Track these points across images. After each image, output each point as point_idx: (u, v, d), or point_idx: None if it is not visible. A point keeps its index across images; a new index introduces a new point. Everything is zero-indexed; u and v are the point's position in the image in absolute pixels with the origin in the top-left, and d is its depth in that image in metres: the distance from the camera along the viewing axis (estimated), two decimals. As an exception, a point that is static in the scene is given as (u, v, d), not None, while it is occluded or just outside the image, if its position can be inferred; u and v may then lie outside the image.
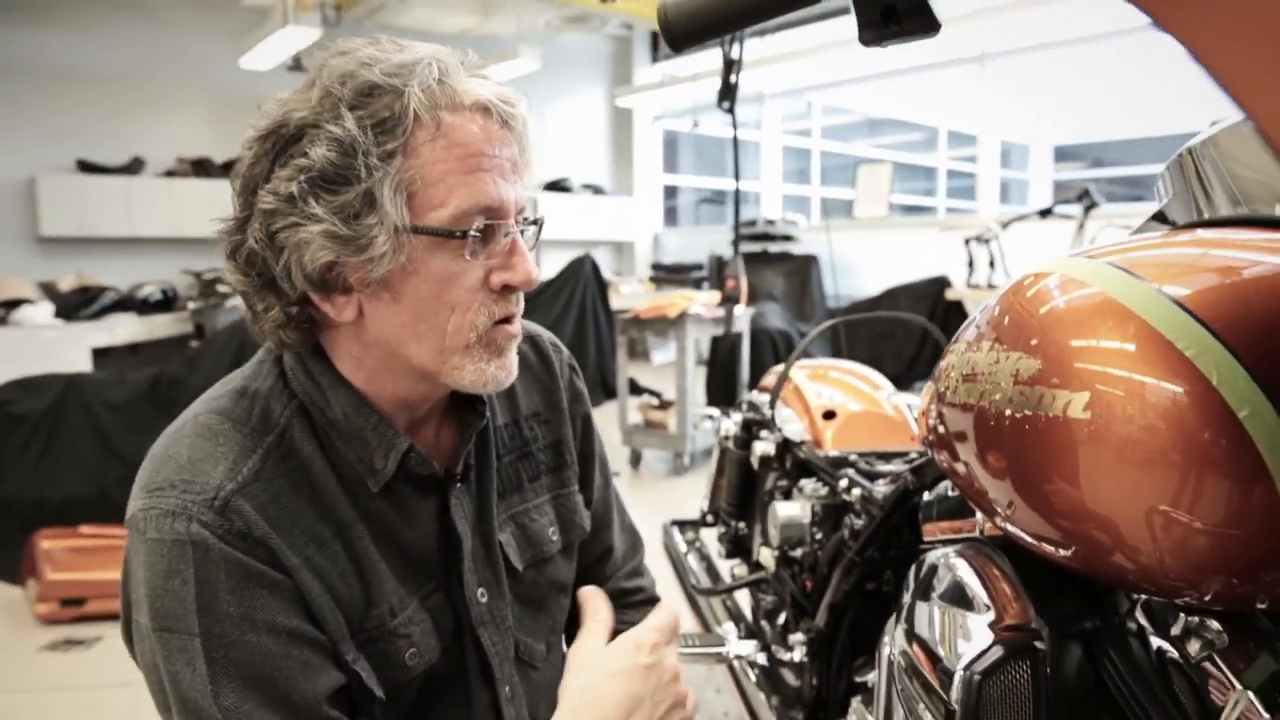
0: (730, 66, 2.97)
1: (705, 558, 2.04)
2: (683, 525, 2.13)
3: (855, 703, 1.19)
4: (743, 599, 1.83)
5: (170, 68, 6.58)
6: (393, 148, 0.73)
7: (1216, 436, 0.55)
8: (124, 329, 5.67)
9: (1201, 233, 0.69)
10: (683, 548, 2.06)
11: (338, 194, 0.72)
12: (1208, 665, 0.62)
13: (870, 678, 1.23)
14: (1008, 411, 0.66)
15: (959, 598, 0.77)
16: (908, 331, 6.39)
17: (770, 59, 6.64)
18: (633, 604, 1.09)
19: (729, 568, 1.89)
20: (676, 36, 0.61)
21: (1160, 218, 0.76)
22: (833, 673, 1.28)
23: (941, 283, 6.70)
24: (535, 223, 0.84)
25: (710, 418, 4.80)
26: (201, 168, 6.60)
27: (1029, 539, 0.70)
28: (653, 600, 1.12)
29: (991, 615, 0.73)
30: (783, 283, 6.99)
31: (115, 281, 6.04)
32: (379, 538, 0.82)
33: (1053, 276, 0.68)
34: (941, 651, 0.75)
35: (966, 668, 0.70)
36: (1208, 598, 0.60)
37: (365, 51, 0.76)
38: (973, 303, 6.59)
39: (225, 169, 6.72)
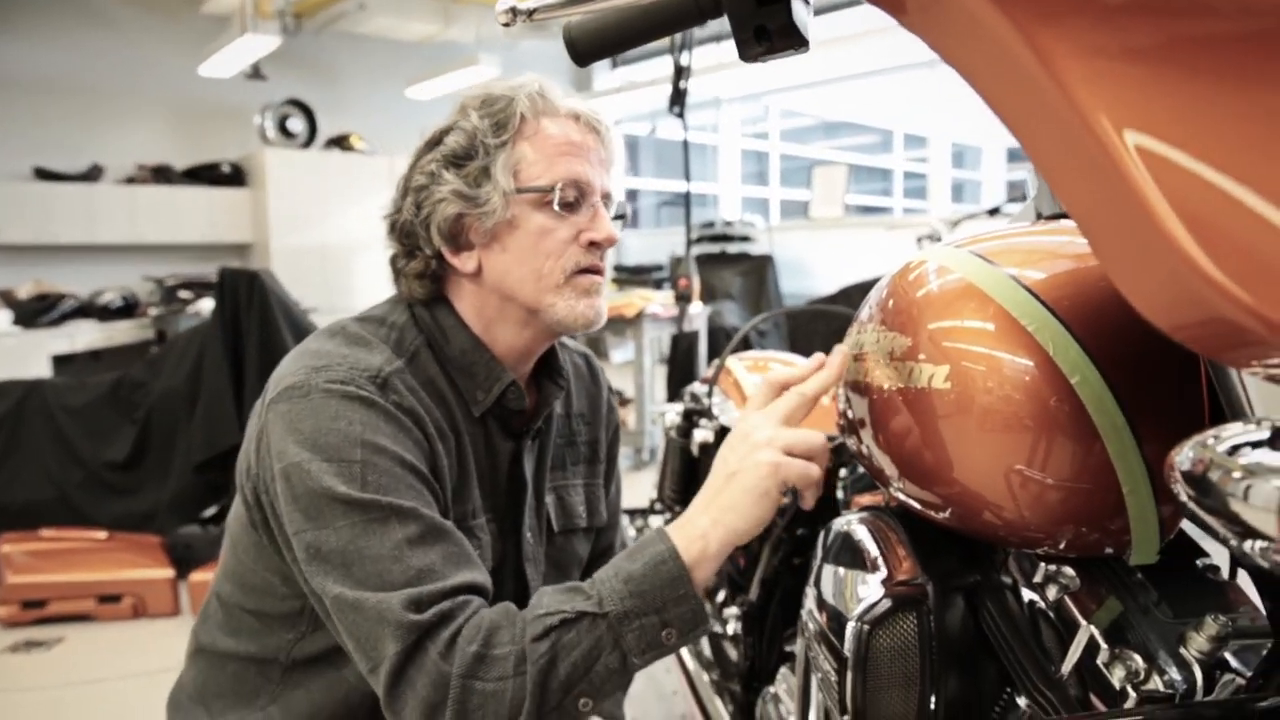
0: (680, 73, 3.04)
1: (656, 546, 2.10)
2: (632, 513, 2.19)
3: (783, 669, 1.26)
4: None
5: (130, 75, 6.53)
6: (505, 139, 0.96)
7: (1058, 403, 0.63)
8: (84, 336, 5.62)
9: (1061, 223, 0.77)
10: (632, 533, 2.12)
11: (464, 167, 0.96)
12: (1063, 606, 0.70)
13: (797, 645, 1.30)
14: (886, 386, 0.73)
15: (857, 559, 0.84)
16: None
17: (728, 64, 6.73)
18: None
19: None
20: (580, 53, 0.68)
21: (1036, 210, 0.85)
22: (764, 643, 1.36)
23: (897, 281, 6.83)
24: (620, 217, 1.04)
25: (664, 413, 4.88)
26: (162, 174, 6.55)
27: (914, 504, 0.78)
28: None
29: (884, 573, 0.80)
30: (740, 282, 7.08)
31: (75, 288, 5.98)
32: (476, 453, 1.01)
33: (929, 264, 0.76)
34: (840, 608, 0.82)
35: (858, 619, 0.78)
36: (1062, 546, 0.68)
37: (493, 80, 1.02)
38: (928, 301, 6.71)
39: (187, 176, 6.68)
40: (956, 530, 0.77)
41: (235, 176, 6.87)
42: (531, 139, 0.97)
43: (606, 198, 1.01)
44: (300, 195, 6.71)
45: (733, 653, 1.42)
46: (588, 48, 0.66)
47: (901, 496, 0.80)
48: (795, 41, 0.61)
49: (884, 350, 0.74)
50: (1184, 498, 0.43)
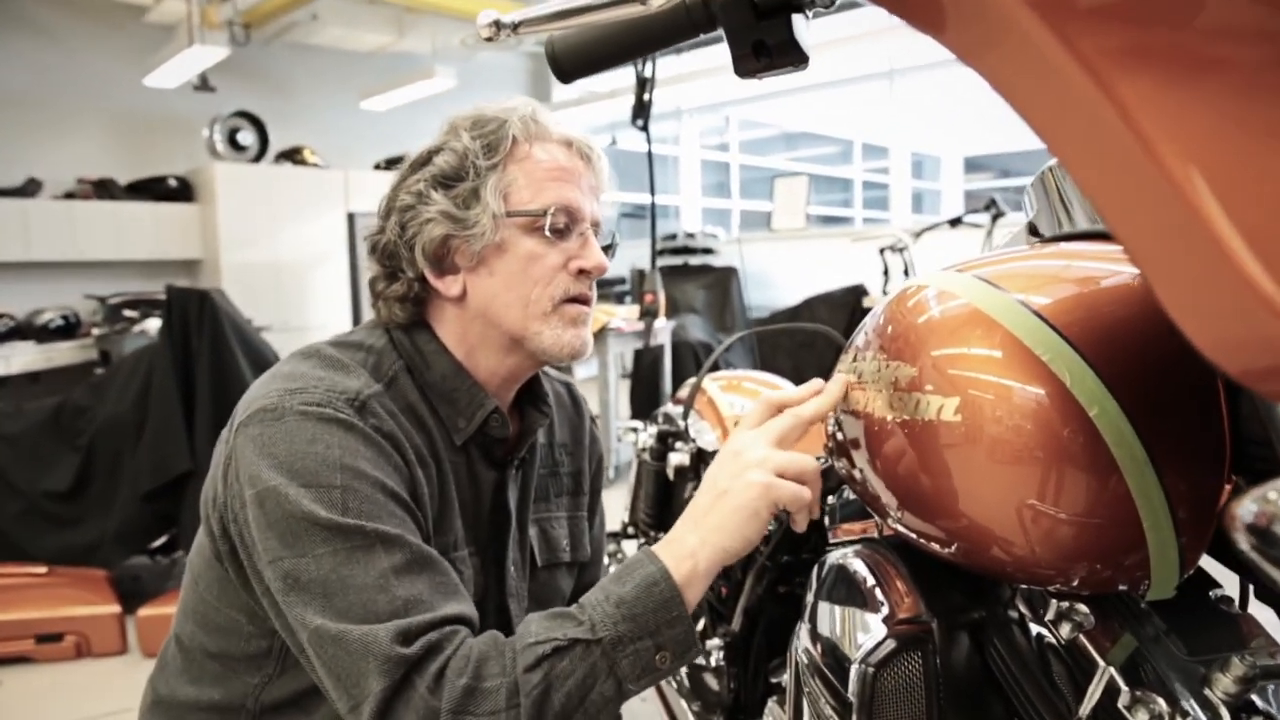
0: (643, 85, 3.01)
1: (629, 569, 2.05)
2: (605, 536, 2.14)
3: (771, 703, 1.22)
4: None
5: (69, 86, 6.33)
6: (495, 161, 0.94)
7: (1073, 434, 0.60)
8: (21, 358, 5.41)
9: (1063, 246, 0.74)
10: (605, 559, 2.07)
11: (452, 188, 0.94)
12: (1078, 645, 0.67)
13: (785, 678, 1.26)
14: (889, 417, 0.70)
15: (856, 596, 0.81)
16: (828, 341, 6.52)
17: (688, 75, 6.74)
18: None
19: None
20: (565, 70, 0.64)
21: (1032, 229, 0.82)
22: (749, 675, 1.32)
23: (858, 291, 6.87)
24: (609, 247, 1.03)
25: (634, 430, 4.84)
26: (104, 189, 6.35)
27: (915, 537, 0.75)
28: None
29: (885, 611, 0.77)
30: (704, 295, 7.07)
31: (11, 308, 5.77)
32: (458, 482, 0.98)
33: (929, 289, 0.73)
34: (840, 647, 0.79)
35: (862, 661, 0.74)
36: (1075, 583, 0.65)
37: (484, 103, 1.00)
38: (888, 310, 6.76)
39: (130, 190, 6.49)
40: (961, 566, 0.73)
41: (183, 191, 6.69)
42: (523, 162, 0.95)
43: (596, 225, 1.00)
44: (251, 210, 6.56)
45: (715, 684, 1.37)
46: (572, 64, 0.62)
47: (900, 528, 0.77)
48: (795, 58, 0.57)
49: (886, 380, 0.70)
50: (1247, 549, 0.39)
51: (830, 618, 0.83)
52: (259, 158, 6.86)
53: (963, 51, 0.34)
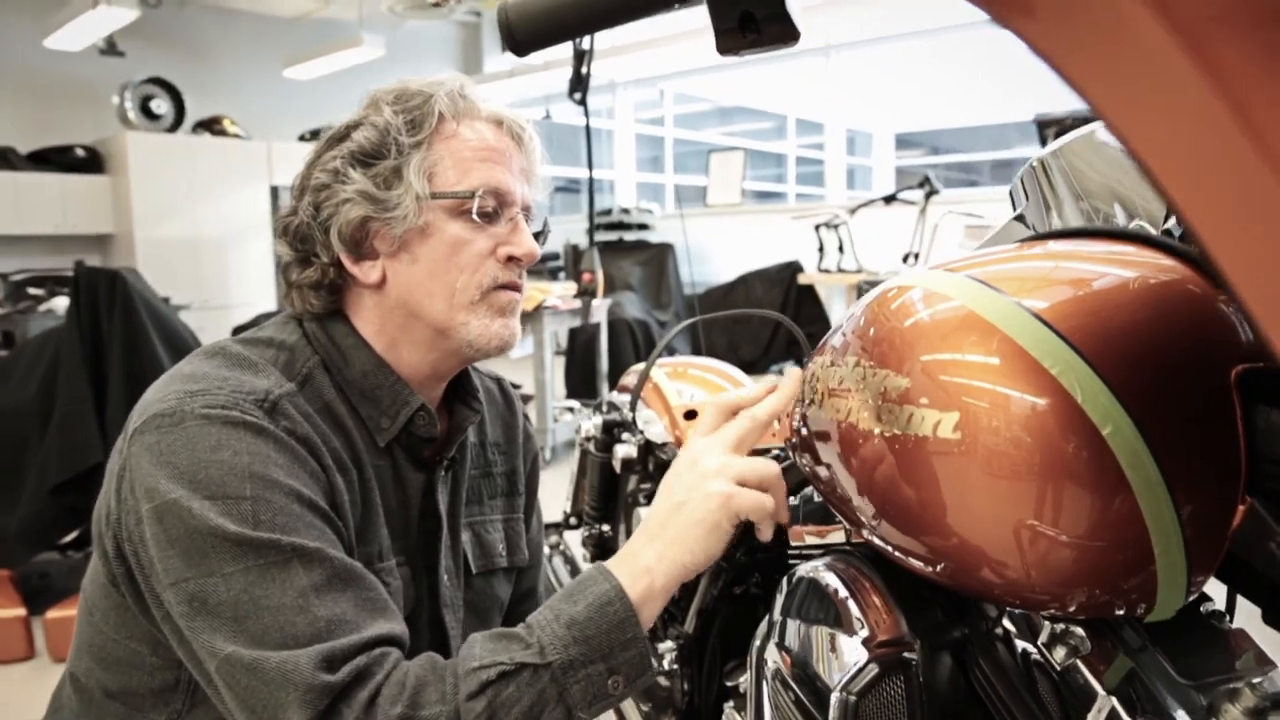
0: (581, 58, 2.91)
1: (570, 560, 2.00)
2: (545, 528, 2.08)
3: (728, 709, 1.17)
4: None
5: (-38, 48, 5.94)
6: (420, 139, 0.88)
7: (1079, 451, 0.55)
8: (-83, 338, 5.10)
9: (1053, 244, 0.69)
10: (546, 551, 2.01)
11: (372, 166, 0.87)
12: (1074, 671, 0.63)
13: (742, 682, 1.22)
14: (876, 430, 0.64)
15: (830, 613, 0.76)
16: (763, 317, 6.53)
17: (622, 48, 6.62)
18: None
19: (596, 572, 1.85)
20: (519, 40, 0.56)
21: (1019, 225, 0.77)
22: (703, 678, 1.27)
23: (794, 268, 6.89)
24: (540, 234, 0.97)
25: (570, 410, 4.77)
26: (3, 158, 5.99)
27: (894, 552, 0.70)
28: None
29: (865, 631, 0.72)
30: (639, 271, 7.01)
31: (-95, 286, 5.42)
32: (381, 487, 0.91)
33: (915, 290, 0.67)
34: (818, 670, 0.74)
35: (843, 689, 0.69)
36: (1071, 609, 0.61)
37: (409, 77, 0.93)
38: (824, 287, 6.81)
39: (33, 160, 6.12)
40: (943, 585, 0.69)
41: (92, 161, 6.35)
42: (449, 141, 0.89)
43: (527, 210, 0.94)
44: (168, 182, 6.25)
45: (667, 687, 1.32)
46: (528, 34, 0.54)
47: (878, 541, 0.72)
48: (786, 32, 0.51)
49: (873, 389, 0.64)
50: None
51: (803, 637, 0.78)
52: (175, 127, 6.54)
53: (1048, 46, 0.28)
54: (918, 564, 0.68)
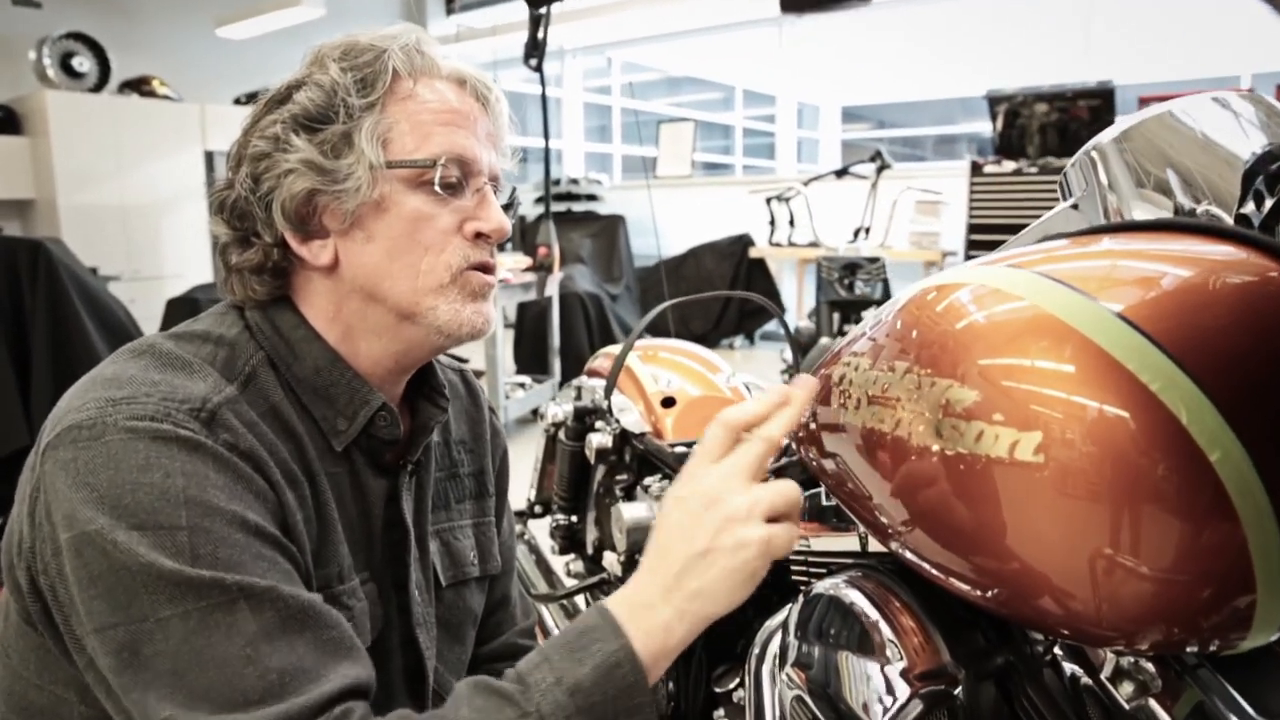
0: (538, 23, 2.78)
1: (535, 550, 1.92)
2: (509, 517, 1.99)
3: (720, 718, 1.12)
4: (580, 596, 1.73)
5: None
6: (373, 99, 0.77)
7: (1175, 477, 0.48)
8: None
9: (1116, 238, 0.63)
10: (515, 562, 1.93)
11: (318, 131, 0.76)
12: (1144, 711, 0.58)
13: (732, 688, 1.16)
14: (934, 447, 0.57)
15: (862, 640, 0.69)
16: (712, 289, 6.50)
17: (570, 14, 6.45)
18: None
19: (563, 564, 1.78)
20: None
21: (1068, 217, 0.70)
22: (690, 683, 1.21)
23: (745, 241, 6.85)
24: (508, 206, 0.86)
25: (522, 386, 4.67)
26: (-90, 117, 5.62)
27: (932, 569, 0.63)
28: None
29: (903, 661, 0.66)
30: (590, 244, 6.90)
31: None
32: (339, 499, 0.81)
33: (971, 286, 0.60)
34: (850, 702, 0.67)
35: (884, 728, 0.63)
36: (1142, 646, 0.55)
37: (358, 31, 0.81)
38: (775, 260, 6.79)
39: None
40: (989, 611, 0.62)
41: (8, 122, 5.98)
42: (405, 102, 0.78)
43: (494, 180, 0.84)
44: (92, 146, 5.91)
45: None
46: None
47: (909, 555, 0.65)
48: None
49: (930, 402, 0.57)
50: None
51: (827, 662, 0.71)
52: (99, 87, 6.19)
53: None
54: (961, 585, 0.61)
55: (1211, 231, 0.56)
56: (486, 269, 0.82)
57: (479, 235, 0.81)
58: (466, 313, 0.80)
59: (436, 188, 0.78)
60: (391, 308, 0.80)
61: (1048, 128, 5.66)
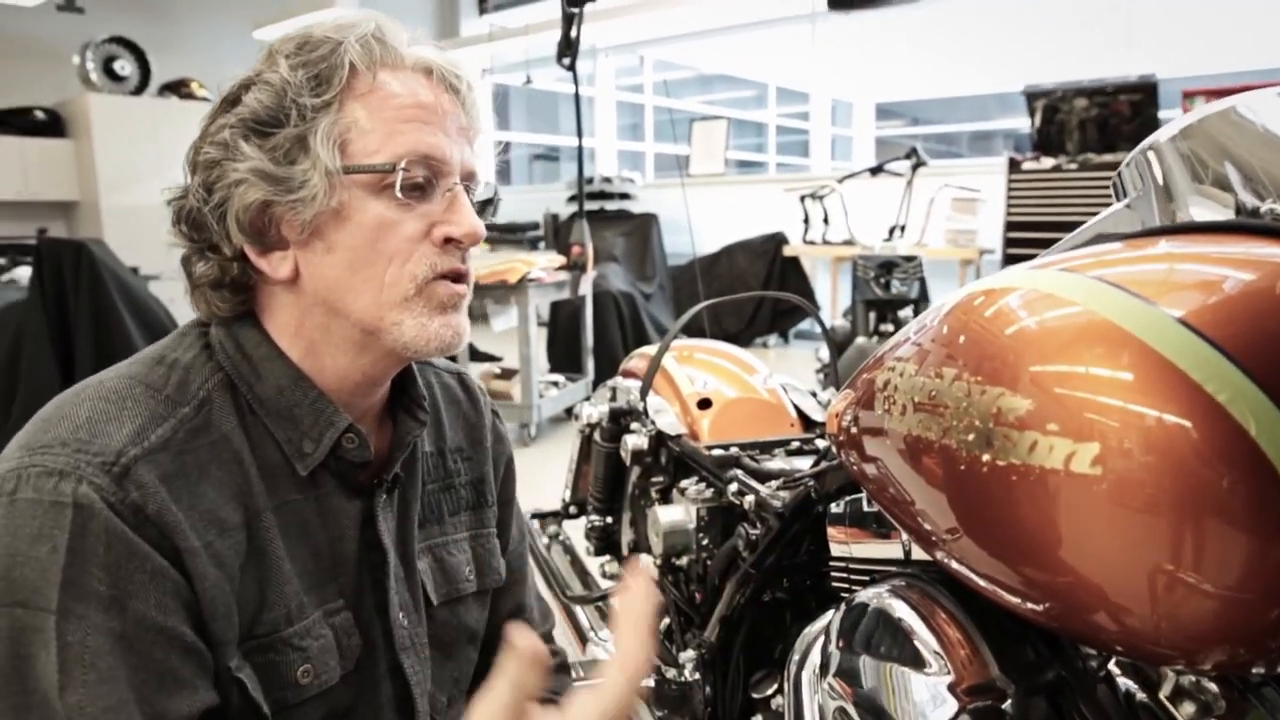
0: (570, 21, 2.78)
1: (570, 551, 1.91)
2: (543, 517, 1.99)
3: (756, 725, 1.10)
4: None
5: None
6: (328, 98, 0.72)
7: (1242, 490, 0.46)
8: None
9: (1173, 240, 0.60)
10: (544, 541, 1.93)
11: (269, 136, 0.71)
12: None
13: (770, 694, 1.14)
14: (985, 456, 0.55)
15: (905, 650, 0.67)
16: (746, 289, 6.47)
17: (604, 12, 6.45)
18: (549, 669, 0.99)
19: (598, 565, 1.78)
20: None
21: (1120, 218, 0.68)
22: (726, 690, 1.19)
23: (778, 239, 6.81)
24: (488, 202, 0.82)
25: (555, 385, 4.68)
26: (-41, 120, 5.75)
27: (979, 580, 0.61)
28: (566, 668, 1.04)
29: (950, 675, 0.64)
30: (623, 242, 6.89)
31: None
32: (290, 534, 0.75)
33: (1017, 294, 0.58)
34: (894, 716, 0.66)
35: (932, 744, 0.61)
36: (1203, 665, 0.53)
37: (313, 20, 0.76)
38: (809, 258, 6.74)
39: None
40: (1039, 624, 0.60)
41: (53, 124, 6.10)
42: (365, 98, 0.72)
43: (470, 178, 0.78)
44: (134, 147, 6.02)
45: (687, 698, 1.25)
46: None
47: (954, 564, 0.63)
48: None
49: (980, 410, 0.55)
50: None
51: (870, 673, 0.70)
52: (140, 90, 6.30)
53: None
54: (1010, 597, 0.59)
55: (1277, 233, 0.54)
56: (458, 277, 0.77)
57: (448, 240, 0.75)
58: (434, 326, 0.76)
59: (398, 193, 0.72)
60: (355, 323, 0.75)
61: (1087, 123, 5.56)
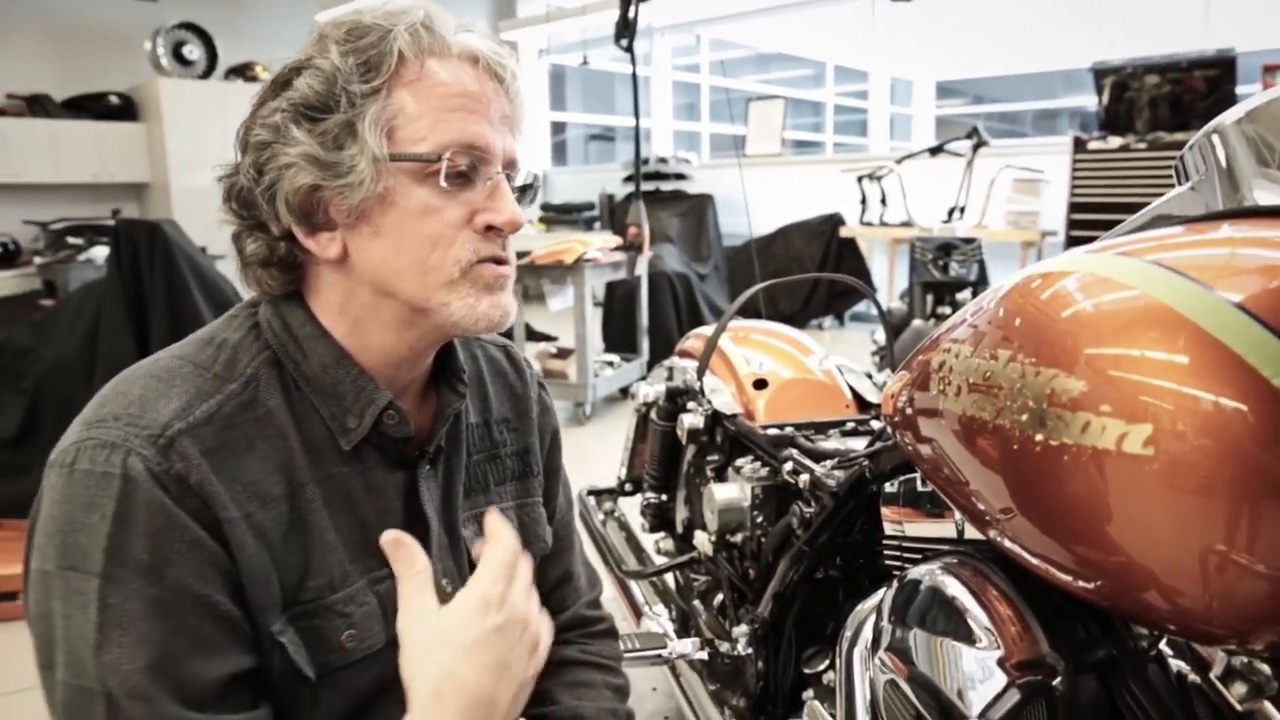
0: (628, 1, 2.78)
1: (625, 527, 1.95)
2: (599, 494, 2.03)
3: (809, 700, 1.12)
4: (669, 574, 1.75)
5: (-5, -8, 5.86)
6: (377, 84, 0.73)
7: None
8: (-42, 288, 5.12)
9: (1236, 224, 0.60)
10: (599, 518, 1.96)
11: (319, 121, 0.73)
12: (1258, 714, 0.56)
13: (822, 669, 1.16)
14: (1037, 436, 0.56)
15: (958, 626, 0.69)
16: (802, 270, 6.42)
17: (660, -9, 6.42)
18: (595, 634, 1.03)
19: (653, 541, 1.81)
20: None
21: (1182, 202, 0.68)
22: (779, 665, 1.22)
23: (835, 220, 6.74)
24: (528, 187, 0.84)
25: (610, 364, 4.71)
26: (38, 105, 5.94)
27: (1032, 559, 0.62)
28: (613, 633, 1.06)
29: (1000, 650, 0.65)
30: (678, 223, 6.88)
31: (-57, 235, 5.44)
32: (334, 505, 0.78)
33: (1073, 277, 0.59)
34: (945, 690, 0.67)
35: (981, 716, 0.62)
36: (1256, 646, 0.53)
37: (365, 5, 0.78)
38: (866, 240, 6.66)
39: (68, 107, 6.08)
40: (1091, 603, 0.61)
41: (126, 109, 6.29)
42: (412, 86, 0.74)
43: (511, 166, 0.80)
44: (201, 130, 6.18)
45: (741, 673, 1.27)
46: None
47: (1007, 543, 0.65)
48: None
49: (1034, 391, 0.56)
50: None
51: (924, 651, 0.71)
52: (207, 73, 6.46)
53: None
54: (1062, 575, 0.60)
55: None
56: (498, 262, 0.79)
57: (489, 228, 0.77)
58: (483, 306, 0.78)
59: (443, 183, 0.74)
60: (404, 302, 0.78)
61: (1159, 100, 5.37)
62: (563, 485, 1.07)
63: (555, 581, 1.03)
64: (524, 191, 0.83)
